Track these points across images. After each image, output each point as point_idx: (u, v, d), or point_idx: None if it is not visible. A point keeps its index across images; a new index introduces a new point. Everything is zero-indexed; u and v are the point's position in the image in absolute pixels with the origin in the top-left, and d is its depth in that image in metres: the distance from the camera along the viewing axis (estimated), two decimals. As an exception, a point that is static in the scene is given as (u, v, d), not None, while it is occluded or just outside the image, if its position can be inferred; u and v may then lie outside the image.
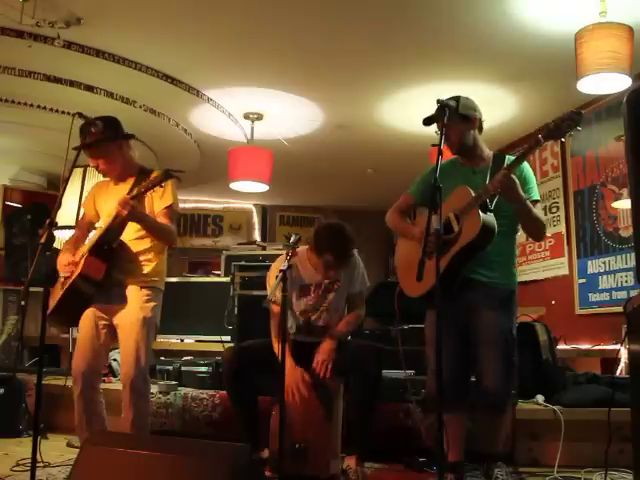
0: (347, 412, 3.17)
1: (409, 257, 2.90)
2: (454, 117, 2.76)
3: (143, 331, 3.08)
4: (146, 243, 3.15)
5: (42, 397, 2.54)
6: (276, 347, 3.15)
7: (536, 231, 2.94)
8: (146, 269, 3.14)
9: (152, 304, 3.14)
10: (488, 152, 3.01)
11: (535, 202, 2.88)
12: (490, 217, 2.74)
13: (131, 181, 3.17)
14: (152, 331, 3.15)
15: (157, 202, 3.13)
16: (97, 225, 3.29)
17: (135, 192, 2.94)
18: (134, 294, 3.11)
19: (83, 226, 3.35)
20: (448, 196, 2.80)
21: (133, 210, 2.91)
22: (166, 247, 3.25)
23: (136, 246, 3.13)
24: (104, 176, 3.26)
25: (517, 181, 2.70)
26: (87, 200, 3.36)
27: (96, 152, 3.10)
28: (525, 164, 2.87)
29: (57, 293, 3.07)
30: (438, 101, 2.59)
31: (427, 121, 2.73)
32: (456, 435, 2.92)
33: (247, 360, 3.26)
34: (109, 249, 3.04)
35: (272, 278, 3.41)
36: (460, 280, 2.82)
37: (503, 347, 2.79)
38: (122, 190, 3.12)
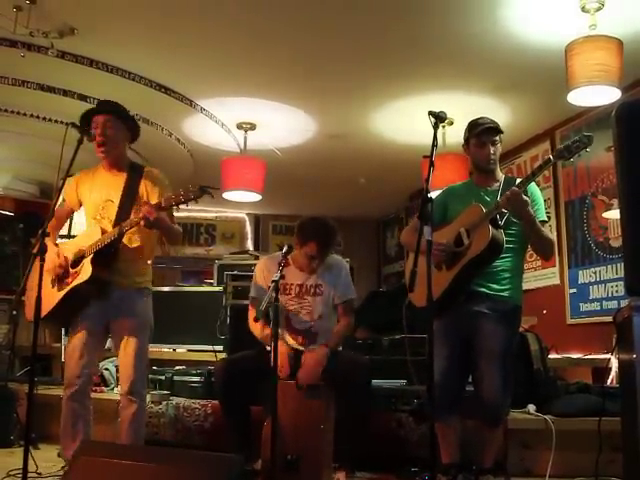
0: (336, 426, 3.15)
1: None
2: (499, 135, 2.98)
3: (141, 334, 3.09)
4: (137, 243, 3.12)
5: (34, 407, 2.54)
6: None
7: (544, 250, 3.01)
8: (139, 270, 3.14)
9: (147, 306, 3.15)
10: (501, 174, 3.09)
11: (542, 223, 2.94)
12: (499, 233, 2.82)
13: (123, 175, 3.13)
14: (148, 333, 3.16)
15: (155, 202, 3.08)
16: (78, 215, 3.29)
17: (164, 203, 2.87)
18: (129, 296, 3.09)
19: (62, 215, 3.28)
20: (460, 214, 2.95)
21: (158, 221, 2.87)
22: (154, 248, 3.24)
23: (129, 247, 3.09)
24: (105, 154, 3.11)
25: (527, 199, 2.78)
26: (69, 188, 3.23)
27: (113, 122, 3.10)
28: (534, 185, 2.97)
29: (50, 293, 3.01)
30: (430, 112, 2.62)
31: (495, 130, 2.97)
32: (450, 439, 2.97)
33: (239, 372, 3.26)
34: (115, 251, 3.02)
35: (258, 278, 3.42)
36: (466, 292, 2.89)
37: (503, 360, 2.83)
38: (113, 180, 3.11)
